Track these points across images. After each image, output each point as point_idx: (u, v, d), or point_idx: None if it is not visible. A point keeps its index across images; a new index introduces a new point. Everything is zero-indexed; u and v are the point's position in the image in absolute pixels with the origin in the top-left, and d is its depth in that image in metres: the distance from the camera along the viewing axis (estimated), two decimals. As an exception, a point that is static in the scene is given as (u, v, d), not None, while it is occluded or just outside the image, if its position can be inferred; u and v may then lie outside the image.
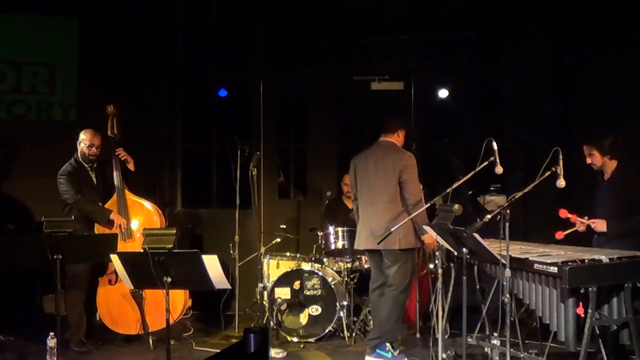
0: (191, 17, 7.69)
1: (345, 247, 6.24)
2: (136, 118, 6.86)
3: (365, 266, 6.32)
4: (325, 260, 6.41)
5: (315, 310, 6.01)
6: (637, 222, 4.70)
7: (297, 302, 6.01)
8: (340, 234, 6.24)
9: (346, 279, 6.20)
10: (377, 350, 5.34)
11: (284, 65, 7.59)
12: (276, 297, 6.00)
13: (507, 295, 4.20)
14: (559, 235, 5.08)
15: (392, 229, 4.93)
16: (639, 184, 4.78)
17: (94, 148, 5.78)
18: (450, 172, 6.74)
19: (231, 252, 6.37)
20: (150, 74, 7.32)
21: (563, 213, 4.97)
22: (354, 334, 5.97)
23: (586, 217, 4.94)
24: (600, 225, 4.79)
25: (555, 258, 4.16)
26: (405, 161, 5.28)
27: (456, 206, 4.39)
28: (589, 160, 4.94)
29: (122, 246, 5.55)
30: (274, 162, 7.69)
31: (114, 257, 4.52)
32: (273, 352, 5.48)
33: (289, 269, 6.12)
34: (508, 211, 4.18)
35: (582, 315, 4.03)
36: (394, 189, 5.27)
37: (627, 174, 4.83)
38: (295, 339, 5.96)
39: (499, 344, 4.82)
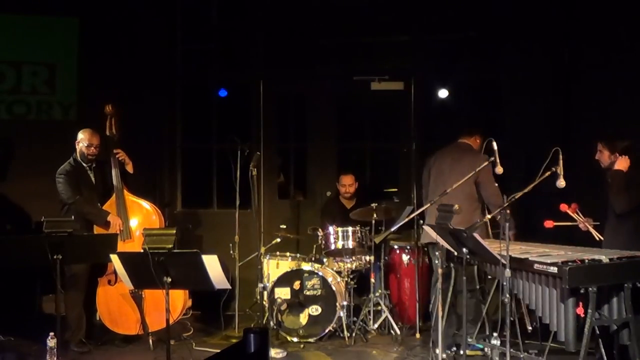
0: (191, 17, 7.69)
1: (345, 247, 6.24)
2: (136, 118, 6.86)
3: (367, 266, 6.34)
4: (325, 260, 6.41)
5: (315, 310, 6.01)
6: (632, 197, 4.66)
7: (297, 302, 6.00)
8: (340, 234, 6.24)
9: (346, 279, 6.20)
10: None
11: (284, 65, 7.58)
12: (276, 297, 5.99)
13: (507, 295, 4.20)
14: (548, 224, 5.12)
15: (392, 229, 5.01)
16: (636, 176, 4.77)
17: (92, 148, 5.78)
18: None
19: (231, 252, 6.37)
20: (150, 74, 7.31)
21: (563, 207, 5.07)
22: (354, 334, 5.96)
23: (591, 219, 4.97)
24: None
25: (555, 258, 4.16)
26: (482, 163, 5.26)
27: (456, 206, 4.40)
28: (597, 156, 4.91)
29: (121, 246, 5.54)
30: (274, 162, 7.69)
31: (114, 257, 4.51)
32: (273, 352, 5.48)
33: (289, 269, 6.12)
34: (508, 211, 4.18)
35: (582, 315, 4.02)
36: (470, 189, 5.28)
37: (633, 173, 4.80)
38: (295, 339, 5.96)
39: (499, 344, 4.83)
